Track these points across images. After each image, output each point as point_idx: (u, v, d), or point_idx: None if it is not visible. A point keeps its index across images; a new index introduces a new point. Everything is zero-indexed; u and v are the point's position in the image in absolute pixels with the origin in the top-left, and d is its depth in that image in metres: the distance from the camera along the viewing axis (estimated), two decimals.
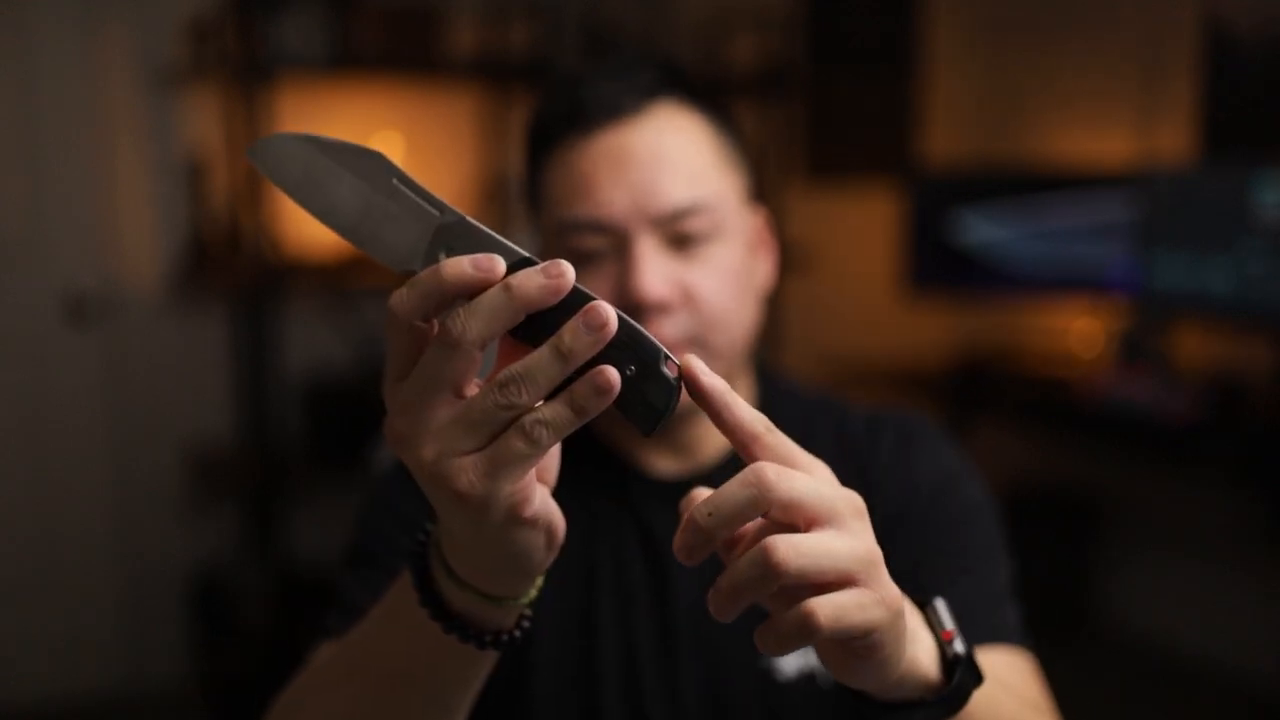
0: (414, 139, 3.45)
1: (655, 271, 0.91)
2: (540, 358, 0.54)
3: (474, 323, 0.54)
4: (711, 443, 1.01)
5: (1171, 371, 3.07)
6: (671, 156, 0.93)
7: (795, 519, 0.56)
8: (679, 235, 0.93)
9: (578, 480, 1.00)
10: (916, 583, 0.89)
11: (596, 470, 1.01)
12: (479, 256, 0.54)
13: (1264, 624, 3.07)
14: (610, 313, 0.54)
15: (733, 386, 0.94)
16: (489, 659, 0.69)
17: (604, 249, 0.93)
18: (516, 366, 0.54)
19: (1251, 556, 3.09)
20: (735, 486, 0.55)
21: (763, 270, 1.03)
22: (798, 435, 0.97)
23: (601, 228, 0.92)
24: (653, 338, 0.56)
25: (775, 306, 3.77)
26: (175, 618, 3.29)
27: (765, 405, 1.04)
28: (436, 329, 0.55)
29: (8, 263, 3.07)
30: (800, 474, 0.56)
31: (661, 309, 0.92)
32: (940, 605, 0.68)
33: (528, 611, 0.68)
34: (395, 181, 0.58)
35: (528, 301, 0.54)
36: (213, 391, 3.31)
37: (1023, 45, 3.65)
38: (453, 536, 0.62)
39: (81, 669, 3.22)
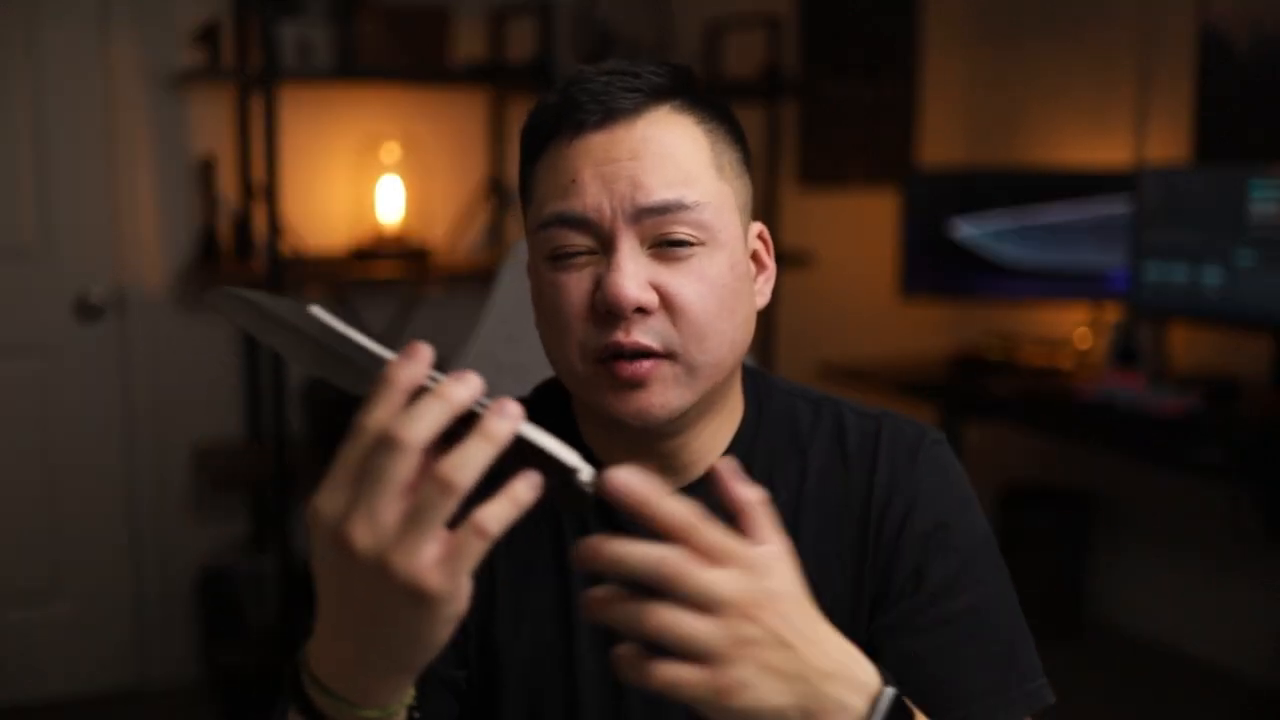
0: (419, 141, 3.48)
1: (633, 274, 0.87)
2: (468, 444, 0.61)
3: (420, 425, 0.61)
4: (698, 457, 0.97)
5: (1165, 371, 3.11)
6: (660, 155, 0.88)
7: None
8: (665, 239, 0.88)
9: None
10: (921, 674, 0.91)
11: None
12: (410, 351, 0.63)
13: (1257, 621, 3.10)
14: (514, 404, 0.63)
15: (717, 408, 0.96)
16: None
17: (585, 248, 0.89)
18: (447, 457, 0.61)
19: (1244, 554, 3.13)
20: (649, 560, 0.65)
21: (758, 288, 0.98)
22: (792, 445, 1.01)
23: (581, 222, 0.88)
24: (565, 453, 0.65)
25: (772, 309, 3.81)
26: (184, 615, 3.33)
27: (754, 415, 1.01)
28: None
29: (20, 263, 3.11)
30: (713, 574, 0.66)
31: (638, 314, 0.87)
32: (886, 696, 0.72)
33: (416, 714, 0.75)
34: (330, 328, 0.66)
35: (460, 403, 0.62)
36: (221, 390, 3.34)
37: (1019, 49, 3.68)
38: (367, 639, 0.66)
39: (91, 666, 3.25)
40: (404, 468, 0.60)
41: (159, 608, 3.32)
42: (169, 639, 3.32)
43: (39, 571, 3.19)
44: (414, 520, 0.60)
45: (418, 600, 0.61)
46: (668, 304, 0.88)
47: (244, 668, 3.08)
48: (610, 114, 0.89)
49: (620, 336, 0.87)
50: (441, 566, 0.61)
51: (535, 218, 0.92)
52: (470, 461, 0.61)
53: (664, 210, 0.88)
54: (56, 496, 3.19)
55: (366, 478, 0.61)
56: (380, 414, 0.61)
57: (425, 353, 0.63)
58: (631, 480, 0.65)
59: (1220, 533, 3.17)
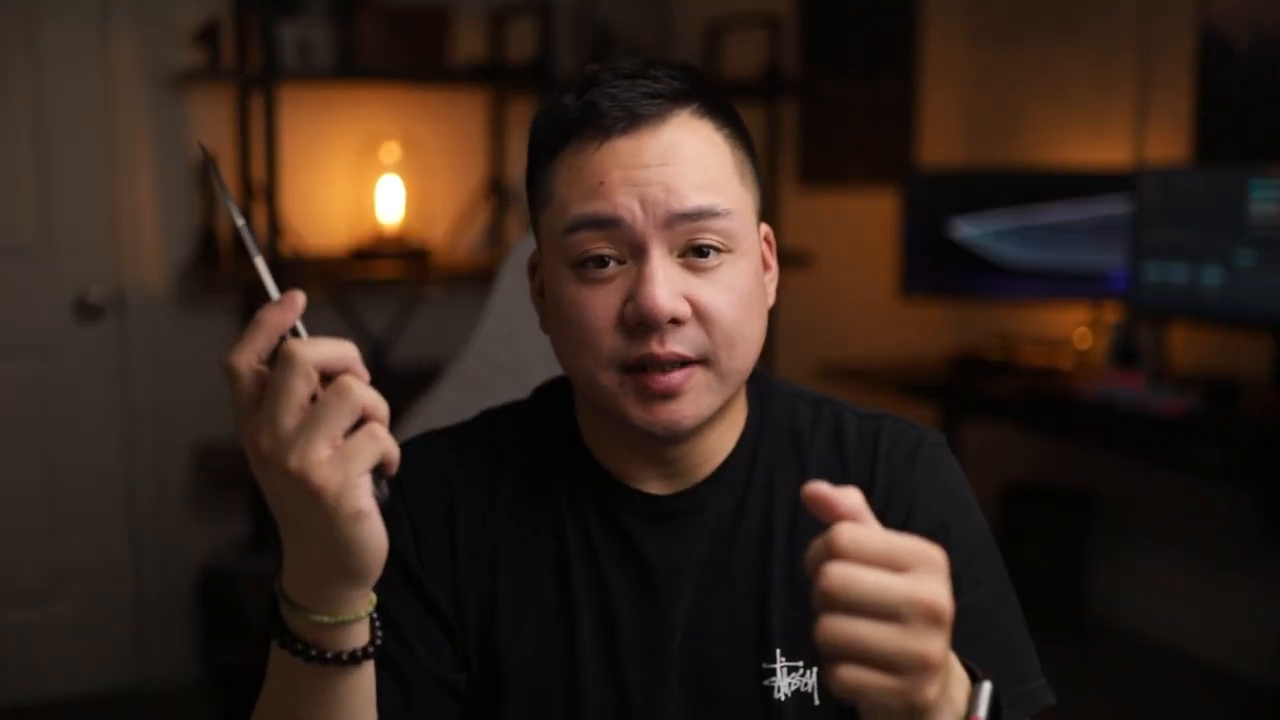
0: (418, 141, 3.48)
1: (668, 285, 0.87)
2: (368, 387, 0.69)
3: (311, 350, 0.68)
4: (701, 463, 0.98)
5: (1165, 371, 3.11)
6: (690, 161, 0.88)
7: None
8: (693, 247, 0.89)
9: (558, 492, 0.99)
10: None
11: (581, 483, 0.99)
12: (284, 299, 0.71)
13: (1257, 621, 3.10)
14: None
15: (725, 411, 0.97)
16: (361, 675, 0.79)
17: (612, 254, 0.88)
18: (348, 376, 0.69)
19: (1244, 554, 3.13)
20: (810, 574, 0.66)
21: (768, 288, 0.99)
22: (794, 442, 1.01)
23: (612, 224, 0.87)
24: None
25: (772, 309, 3.80)
26: (184, 615, 3.32)
27: (759, 415, 1.01)
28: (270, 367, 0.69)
29: (20, 263, 3.10)
30: (870, 577, 0.65)
31: (671, 324, 0.88)
32: (985, 691, 0.73)
33: (378, 624, 0.79)
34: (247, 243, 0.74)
35: (347, 351, 0.70)
36: (221, 389, 3.31)
37: (1019, 49, 3.68)
38: (299, 541, 0.73)
39: (92, 664, 3.25)
40: (300, 381, 0.67)
41: (159, 608, 3.31)
42: (169, 639, 3.32)
43: (39, 571, 3.19)
44: (308, 422, 0.67)
45: (312, 495, 0.67)
46: (700, 314, 0.89)
47: (244, 668, 3.08)
48: (636, 119, 0.89)
49: (655, 347, 0.88)
50: (331, 463, 0.67)
51: (556, 221, 0.91)
52: (368, 392, 0.68)
53: (697, 216, 0.88)
54: (56, 496, 3.19)
55: (269, 395, 0.68)
56: (247, 353, 0.69)
57: (299, 301, 0.70)
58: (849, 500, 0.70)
59: (1220, 533, 3.17)
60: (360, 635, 0.77)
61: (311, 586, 0.74)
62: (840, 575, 0.64)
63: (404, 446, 0.75)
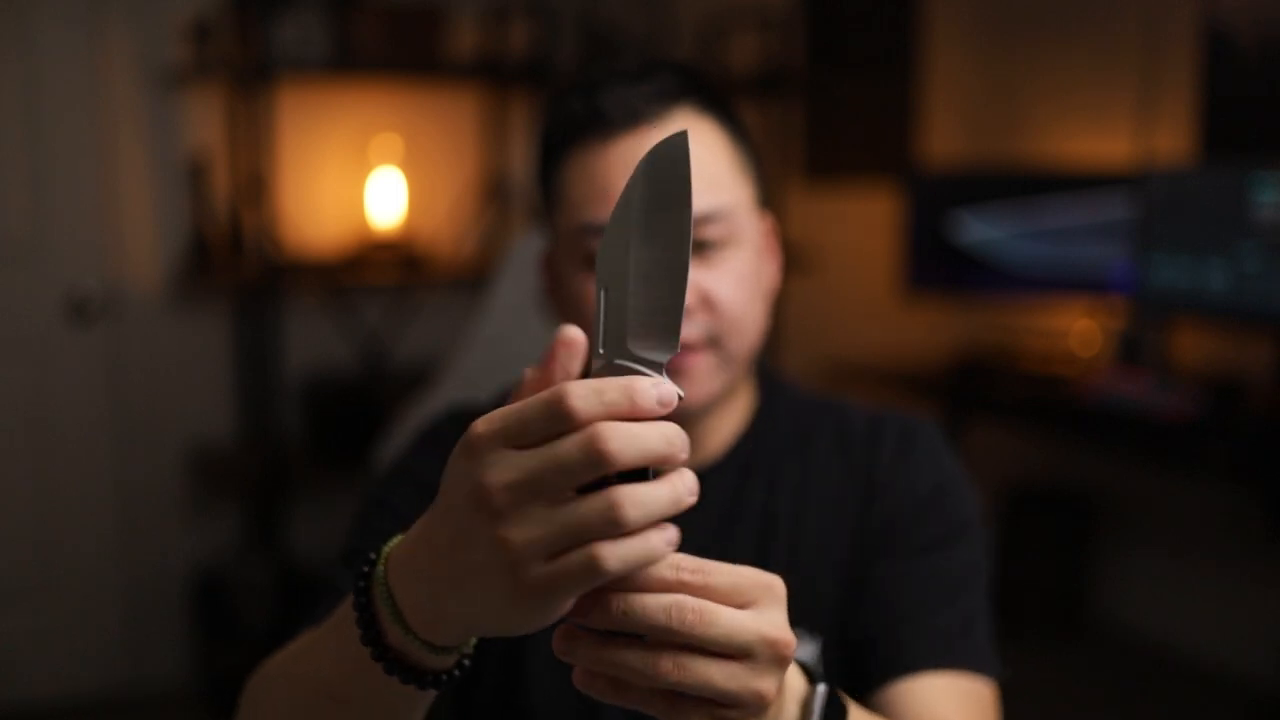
0: (414, 139, 3.45)
1: None
2: (655, 491, 0.54)
3: (631, 450, 0.53)
4: (716, 438, 1.04)
5: (1169, 371, 3.08)
6: (692, 164, 0.92)
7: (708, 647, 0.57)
8: (696, 242, 0.94)
9: None
10: (895, 600, 0.96)
11: None
12: (664, 392, 0.56)
13: (1260, 622, 3.08)
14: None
15: (737, 390, 1.03)
16: (425, 695, 0.67)
17: None
18: (630, 488, 0.53)
19: (1248, 555, 3.10)
20: (657, 609, 0.55)
21: (770, 274, 1.06)
22: (799, 436, 1.05)
23: None
24: None
25: (775, 306, 3.78)
26: (177, 617, 3.30)
27: (767, 407, 1.07)
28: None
29: (10, 262, 3.08)
30: (725, 615, 0.56)
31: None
32: (819, 697, 0.67)
33: (468, 651, 0.66)
34: None
35: (678, 455, 0.55)
36: (214, 391, 3.31)
37: (1022, 46, 3.65)
38: (447, 595, 0.59)
39: (83, 668, 3.22)
40: (589, 475, 0.53)
41: (152, 611, 3.29)
42: (161, 642, 3.29)
43: (31, 574, 3.16)
44: (555, 521, 0.54)
45: (511, 596, 0.55)
46: (706, 301, 0.95)
47: (239, 672, 3.05)
48: (637, 121, 0.94)
49: None
50: (548, 576, 0.54)
51: (568, 220, 0.98)
52: (649, 507, 0.54)
53: (701, 221, 0.94)
54: (47, 498, 3.16)
55: (550, 466, 0.53)
56: (609, 428, 0.54)
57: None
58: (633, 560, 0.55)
59: (1224, 534, 3.14)
60: (441, 661, 0.65)
61: (432, 620, 0.62)
62: (696, 610, 0.56)
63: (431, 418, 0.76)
